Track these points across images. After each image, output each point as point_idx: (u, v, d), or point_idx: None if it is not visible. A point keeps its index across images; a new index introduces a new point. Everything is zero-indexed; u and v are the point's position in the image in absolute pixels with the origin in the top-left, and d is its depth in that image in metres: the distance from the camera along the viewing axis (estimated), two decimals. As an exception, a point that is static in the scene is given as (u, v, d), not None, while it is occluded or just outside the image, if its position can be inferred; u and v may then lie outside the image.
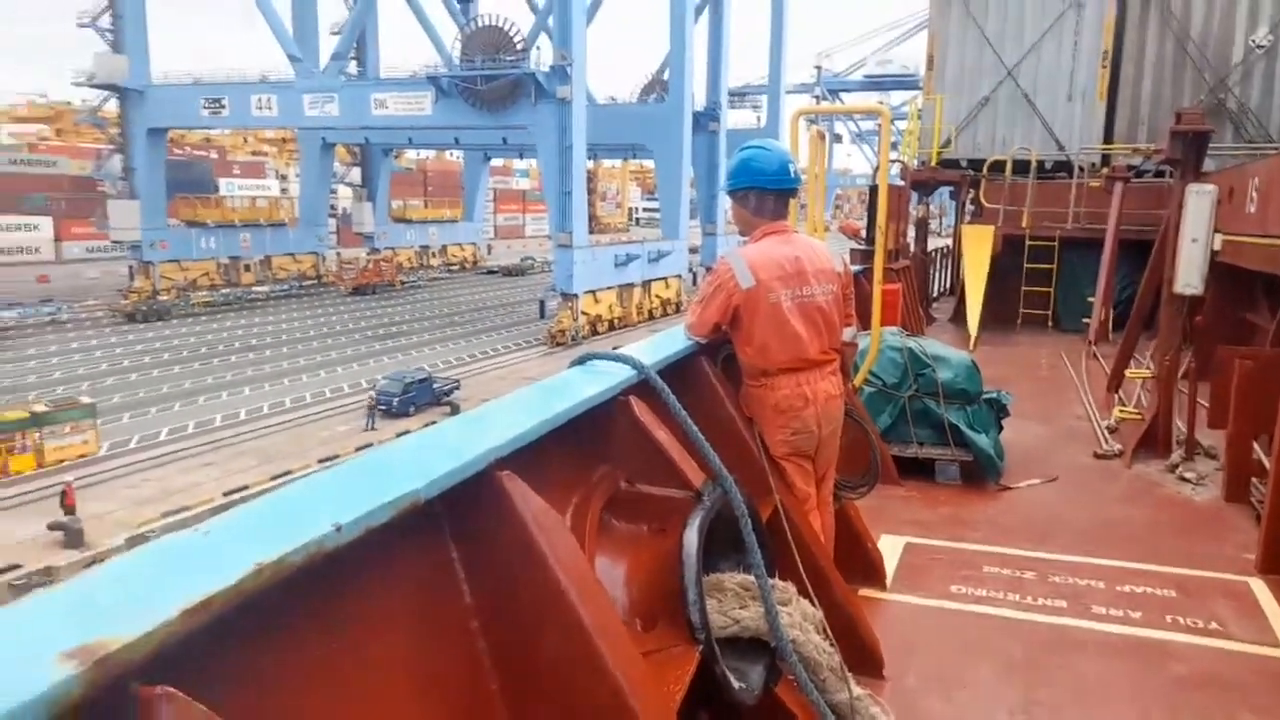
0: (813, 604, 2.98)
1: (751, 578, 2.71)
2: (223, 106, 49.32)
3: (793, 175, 3.35)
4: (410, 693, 1.77)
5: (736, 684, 2.39)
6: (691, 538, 2.45)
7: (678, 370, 3.36)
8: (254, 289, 56.72)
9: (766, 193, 3.38)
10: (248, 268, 58.23)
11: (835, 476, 3.77)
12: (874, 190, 9.66)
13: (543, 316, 49.27)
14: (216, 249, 55.96)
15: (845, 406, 3.65)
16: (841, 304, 3.49)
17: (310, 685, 1.45)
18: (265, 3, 48.32)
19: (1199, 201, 6.07)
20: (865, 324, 6.26)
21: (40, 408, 26.59)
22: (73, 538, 20.27)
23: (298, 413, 31.30)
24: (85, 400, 28.43)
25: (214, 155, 74.03)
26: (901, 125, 15.05)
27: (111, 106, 50.85)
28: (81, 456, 26.24)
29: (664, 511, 2.64)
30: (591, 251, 45.00)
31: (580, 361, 2.90)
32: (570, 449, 2.68)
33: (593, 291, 44.75)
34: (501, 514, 1.89)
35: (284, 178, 79.27)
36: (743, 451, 3.38)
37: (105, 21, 48.61)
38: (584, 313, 43.98)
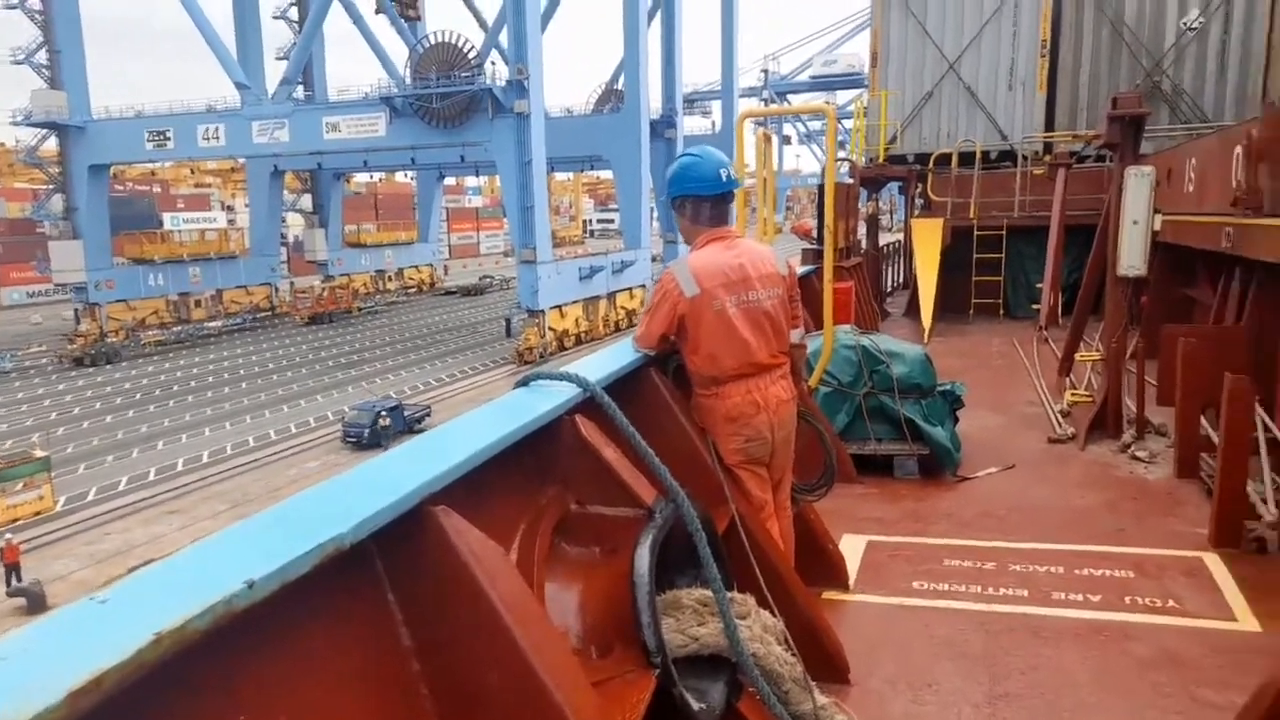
0: (773, 614, 2.94)
1: (709, 593, 2.67)
2: (168, 139, 48.52)
3: (726, 180, 3.33)
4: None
5: (696, 705, 2.34)
6: (643, 558, 2.40)
7: (627, 384, 3.31)
8: (206, 324, 55.67)
9: (703, 199, 3.35)
10: (198, 303, 57.11)
11: (792, 480, 3.75)
12: (823, 189, 9.71)
13: (509, 335, 48.99)
14: (165, 285, 54.78)
15: (798, 409, 3.63)
16: (788, 307, 3.47)
17: None
18: (209, 31, 47.67)
19: (1138, 184, 6.16)
20: (820, 324, 6.29)
21: None
22: (35, 603, 19.47)
23: (264, 451, 30.54)
24: (39, 454, 27.31)
25: (156, 189, 72.68)
26: (848, 124, 15.18)
27: (51, 145, 49.73)
28: (38, 514, 25.30)
29: (615, 531, 2.59)
30: (555, 266, 44.86)
31: (525, 382, 2.85)
32: (517, 472, 2.61)
33: (558, 306, 44.60)
34: (437, 551, 1.82)
35: (230, 208, 78.06)
36: (696, 463, 3.34)
37: (41, 58, 47.62)
38: (551, 328, 43.80)
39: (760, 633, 2.80)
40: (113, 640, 1.09)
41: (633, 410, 3.32)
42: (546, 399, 2.61)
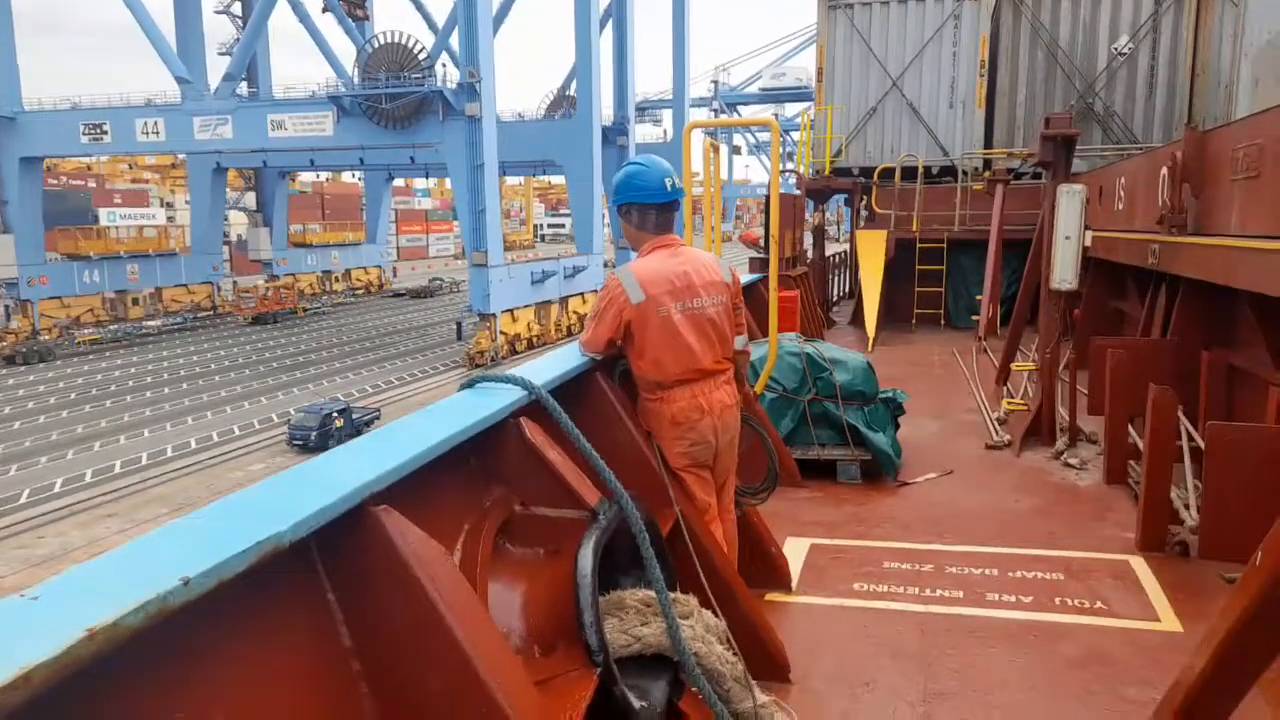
0: (716, 614, 3.00)
1: (653, 593, 2.71)
2: (104, 132, 47.10)
3: (671, 189, 3.38)
4: (290, 743, 1.69)
5: (637, 704, 2.37)
6: (585, 559, 2.43)
7: (574, 388, 3.34)
8: (145, 323, 54.17)
9: (648, 207, 3.40)
10: (136, 301, 55.56)
11: (735, 484, 3.81)
12: (769, 200, 9.86)
13: (460, 338, 48.55)
14: (101, 283, 53.19)
15: (742, 414, 3.69)
16: (732, 314, 3.53)
17: None
18: (148, 22, 46.45)
19: (1070, 201, 6.38)
20: (767, 331, 6.39)
21: None
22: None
23: (206, 453, 29.74)
24: None
25: (92, 184, 70.54)
26: (796, 136, 15.43)
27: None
28: None
29: (559, 533, 2.61)
30: (508, 270, 44.56)
31: (470, 384, 2.86)
32: (462, 474, 2.63)
33: (510, 310, 44.32)
34: (378, 550, 1.83)
35: (170, 205, 76.08)
36: (642, 465, 3.38)
37: (-32, 47, 46.02)
38: (502, 332, 43.52)
39: (702, 632, 2.84)
40: (43, 637, 1.08)
41: (579, 414, 3.35)
42: (491, 401, 2.63)
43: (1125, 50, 13.25)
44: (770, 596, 4.16)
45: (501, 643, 1.96)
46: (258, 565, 1.48)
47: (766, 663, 3.37)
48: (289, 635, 1.76)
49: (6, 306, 49.10)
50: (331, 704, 1.81)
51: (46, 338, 47.36)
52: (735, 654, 2.89)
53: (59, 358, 45.38)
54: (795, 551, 4.75)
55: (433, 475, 2.32)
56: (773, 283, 5.82)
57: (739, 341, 3.62)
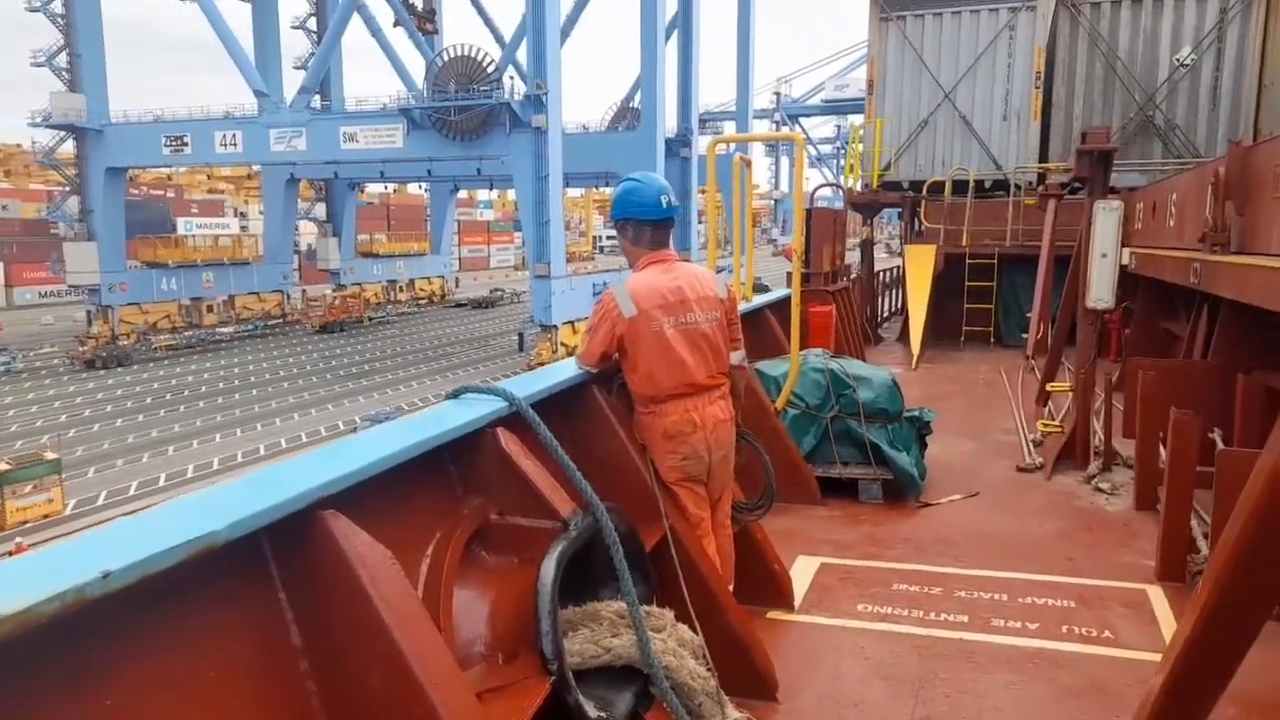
0: (694, 629, 3.02)
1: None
2: (185, 144, 48.87)
3: (667, 206, 3.43)
4: (233, 735, 1.77)
5: (594, 713, 2.41)
6: (548, 569, 2.48)
7: (570, 400, 3.40)
8: (218, 330, 55.99)
9: (644, 223, 3.45)
10: (210, 308, 57.48)
11: (733, 499, 3.82)
12: (808, 214, 9.83)
13: (521, 349, 49.06)
14: (178, 290, 55.19)
15: (739, 429, 3.71)
16: (727, 329, 3.55)
17: None
18: (229, 38, 48.21)
19: (1106, 217, 6.24)
20: (803, 345, 6.38)
21: (1, 465, 25.20)
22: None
23: (274, 460, 30.65)
24: (50, 455, 26.93)
25: (171, 195, 73.42)
26: (860, 149, 15.30)
27: (68, 147, 50.34)
28: (46, 516, 25.06)
29: (532, 542, 2.66)
30: (569, 281, 44.80)
31: (456, 394, 2.94)
32: (439, 481, 2.70)
33: (571, 322, 44.61)
34: (324, 553, 1.91)
35: (243, 215, 78.72)
36: (634, 478, 3.42)
37: (62, 60, 48.28)
38: (563, 343, 43.84)
39: (675, 646, 2.87)
40: None
41: (574, 426, 3.42)
42: (469, 411, 2.70)
43: (1188, 61, 12.85)
44: (771, 614, 4.15)
45: (441, 649, 2.02)
46: (191, 562, 1.57)
47: (752, 680, 3.37)
48: (238, 632, 1.84)
49: (89, 312, 51.28)
50: (279, 699, 1.89)
51: (125, 343, 49.19)
52: (710, 669, 2.91)
53: (136, 362, 47.13)
54: (805, 570, 4.72)
55: (405, 481, 2.40)
56: (794, 297, 5.81)
57: (735, 357, 3.64)
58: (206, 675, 1.73)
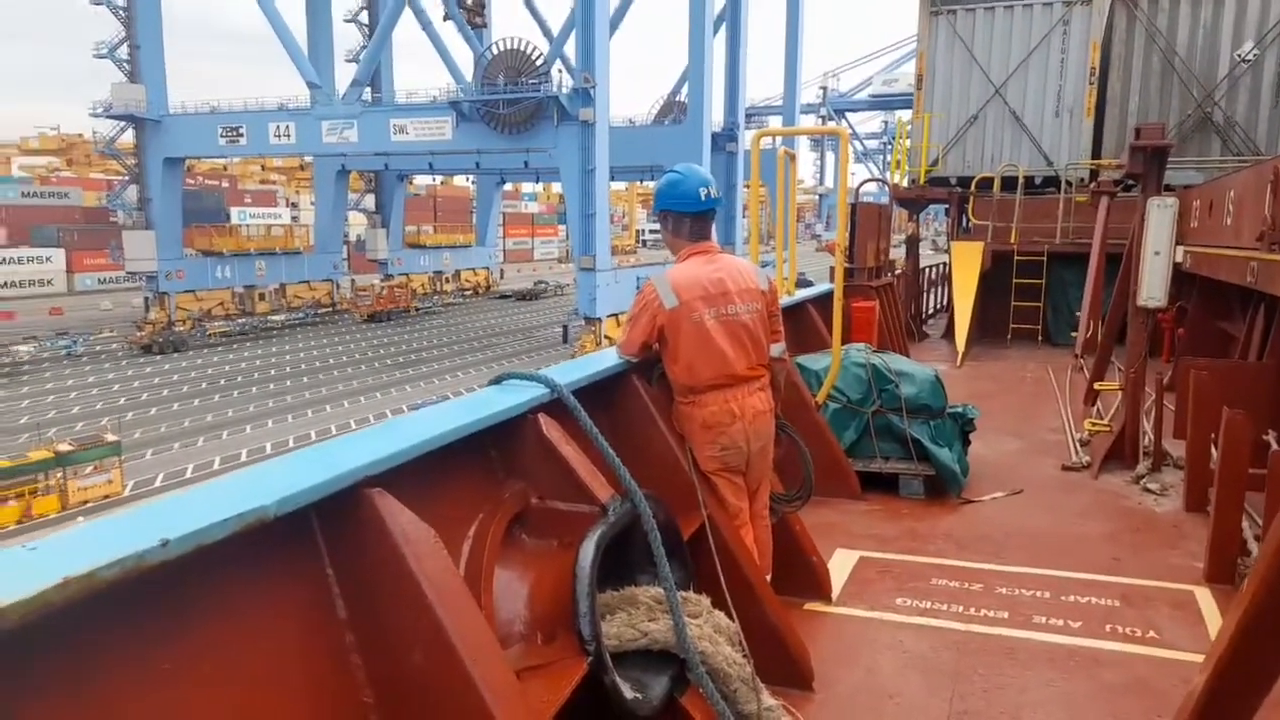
0: (730, 616, 3.04)
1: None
2: (240, 135, 50.02)
3: (707, 199, 3.45)
4: (282, 704, 1.84)
5: (630, 694, 2.45)
6: (587, 552, 2.52)
7: (610, 389, 3.44)
8: (270, 318, 57.21)
9: (684, 215, 3.48)
10: (262, 296, 58.74)
11: (771, 490, 3.83)
12: (853, 209, 9.76)
13: (566, 340, 49.35)
14: (232, 278, 56.49)
15: (778, 421, 3.72)
16: (767, 321, 3.57)
17: (143, 696, 1.51)
18: (284, 30, 49.05)
19: (1160, 215, 6.12)
20: (847, 340, 6.35)
21: (64, 447, 26.03)
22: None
23: (325, 447, 31.31)
24: (110, 438, 27.81)
25: (225, 185, 75.02)
26: (908, 145, 15.12)
27: (127, 137, 51.68)
28: (106, 497, 25.83)
29: (571, 526, 2.71)
30: (614, 274, 44.99)
31: (498, 380, 2.99)
32: (481, 465, 2.76)
33: (615, 315, 44.74)
34: (370, 530, 1.97)
35: (294, 205, 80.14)
36: (672, 467, 3.45)
37: (123, 52, 49.57)
38: (607, 336, 43.99)
39: (710, 632, 2.90)
40: (24, 580, 1.24)
41: (614, 414, 3.46)
42: (512, 397, 2.75)
43: (1250, 56, 12.47)
44: (809, 605, 4.16)
45: (483, 627, 2.07)
46: (244, 534, 1.63)
47: (788, 669, 3.39)
48: (286, 603, 1.91)
49: (146, 298, 52.68)
50: (326, 670, 1.96)
51: (181, 329, 50.54)
52: (745, 656, 2.93)
53: (191, 348, 48.41)
54: (843, 563, 4.72)
55: (449, 464, 2.46)
56: (837, 291, 5.79)
57: (775, 349, 3.65)
58: (257, 645, 1.80)
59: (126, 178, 53.47)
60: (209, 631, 1.67)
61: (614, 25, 51.40)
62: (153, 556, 1.42)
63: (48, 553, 1.39)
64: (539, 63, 43.39)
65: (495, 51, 44.38)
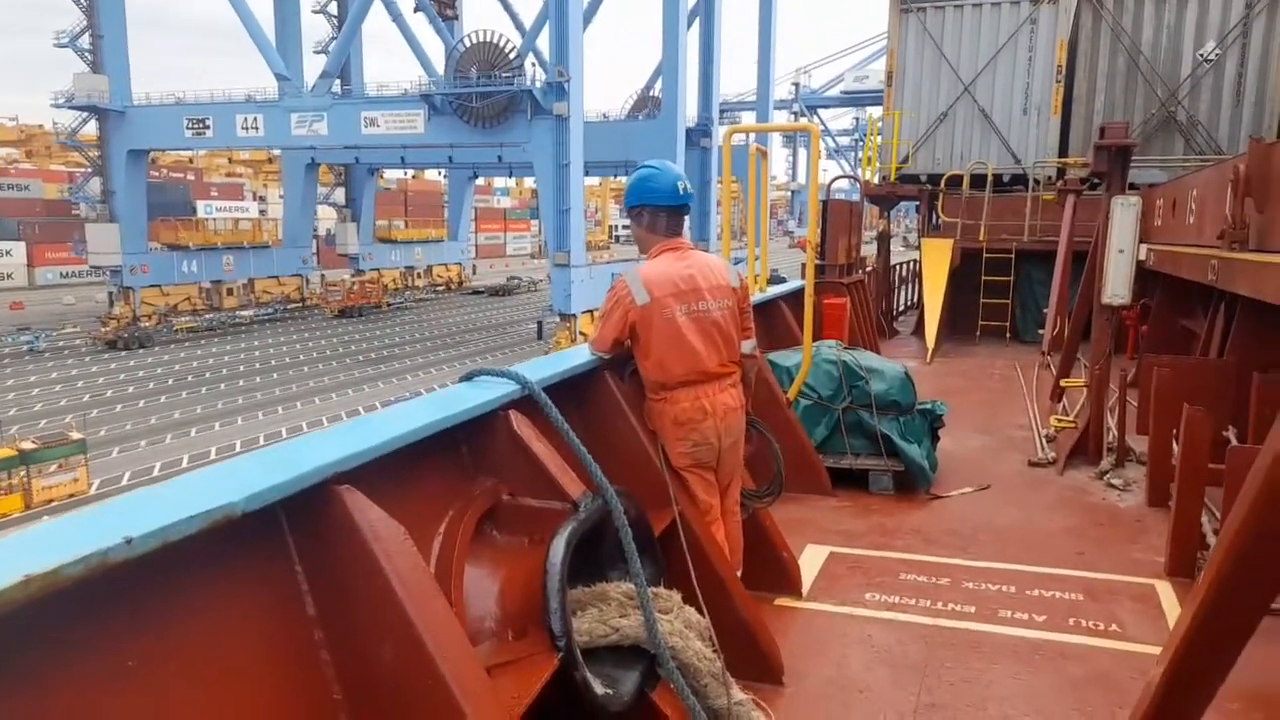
0: (701, 612, 3.06)
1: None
2: (207, 127, 49.12)
3: (683, 193, 3.46)
4: (251, 701, 1.83)
5: (600, 690, 2.46)
6: (557, 548, 2.52)
7: (582, 385, 3.44)
8: (238, 313, 56.35)
9: (660, 210, 3.48)
10: (230, 291, 57.88)
11: (742, 486, 3.85)
12: (825, 205, 9.81)
13: (540, 337, 49.16)
14: (199, 273, 55.58)
15: (748, 417, 3.74)
16: (738, 318, 3.58)
17: (110, 694, 1.50)
18: (251, 20, 48.32)
19: (1124, 213, 6.22)
20: (817, 337, 6.39)
21: (28, 445, 25.34)
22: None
23: (295, 444, 30.95)
24: (75, 435, 27.04)
25: (191, 177, 73.86)
26: (879, 141, 15.24)
27: (90, 128, 50.71)
28: (71, 496, 25.20)
29: (542, 523, 2.71)
30: (588, 270, 44.75)
31: (469, 377, 2.98)
32: (452, 461, 2.75)
33: (590, 311, 44.55)
34: (339, 527, 1.96)
35: (262, 199, 79.11)
36: (644, 463, 3.46)
37: (85, 42, 48.59)
38: (582, 332, 43.81)
39: (681, 628, 2.91)
40: None
41: (585, 411, 3.47)
42: (483, 393, 2.75)
43: (1212, 57, 12.71)
44: (779, 601, 4.19)
45: (452, 623, 2.07)
46: (211, 531, 1.62)
47: (758, 663, 3.41)
48: (254, 601, 1.90)
49: (110, 293, 51.75)
50: (294, 667, 1.95)
51: (146, 325, 49.66)
52: (715, 651, 2.95)
53: (158, 344, 47.52)
54: (813, 559, 4.76)
55: (419, 460, 2.45)
56: (808, 288, 5.83)
57: (746, 346, 3.67)
58: (225, 642, 1.78)
59: (89, 170, 52.43)
60: (176, 629, 1.66)
61: (587, 19, 51.21)
62: (117, 554, 1.41)
63: (9, 550, 1.37)
64: (512, 56, 43.10)
65: (468, 44, 43.98)
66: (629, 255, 55.89)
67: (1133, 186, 11.67)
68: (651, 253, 3.52)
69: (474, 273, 79.13)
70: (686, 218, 3.62)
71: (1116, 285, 6.21)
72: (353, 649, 1.98)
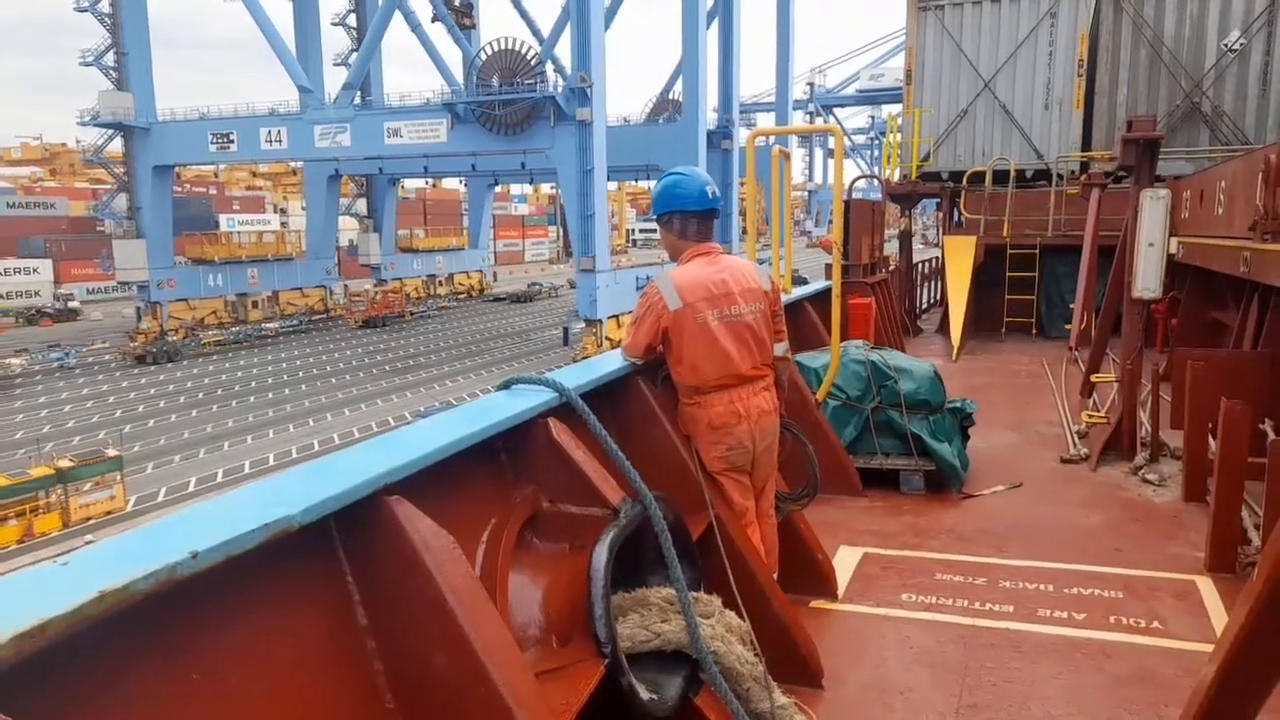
0: (740, 616, 3.07)
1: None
2: (231, 141, 49.68)
3: (711, 198, 3.48)
4: (306, 712, 1.86)
5: (645, 695, 2.47)
6: (600, 555, 2.54)
7: (615, 391, 3.46)
8: (263, 325, 56.94)
9: (689, 216, 3.50)
10: (255, 304, 58.53)
11: (776, 489, 3.85)
12: (847, 205, 9.78)
13: (566, 343, 49.16)
14: (224, 286, 56.25)
15: (782, 420, 3.74)
16: (770, 321, 3.59)
17: (175, 708, 1.53)
18: (273, 34, 48.77)
19: (1153, 206, 6.16)
20: (843, 337, 6.38)
21: (65, 463, 25.42)
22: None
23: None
24: (111, 453, 27.14)
25: (212, 191, 74.64)
26: (897, 139, 15.18)
27: (115, 145, 51.42)
28: (109, 514, 25.30)
29: (582, 529, 2.73)
30: (613, 275, 44.70)
31: (506, 385, 3.01)
32: (492, 470, 2.78)
33: (615, 316, 44.51)
34: (390, 537, 1.99)
35: (283, 211, 79.85)
36: (679, 468, 3.47)
37: (109, 60, 49.31)
38: (608, 338, 43.79)
39: (722, 632, 2.92)
40: (61, 595, 1.26)
41: (620, 417, 3.48)
42: (521, 402, 2.77)
43: (1237, 46, 12.54)
44: (815, 603, 4.18)
45: (503, 631, 2.09)
46: (268, 544, 1.65)
47: (797, 666, 3.41)
48: (308, 612, 1.93)
49: (138, 308, 52.40)
50: (347, 675, 1.98)
51: (174, 338, 50.24)
52: (757, 655, 2.95)
53: (185, 358, 48.06)
54: (847, 560, 4.75)
55: (461, 469, 2.48)
56: (835, 289, 5.82)
57: (779, 348, 3.67)
58: (281, 653, 1.82)
59: (114, 186, 53.17)
60: (234, 642, 1.69)
61: (606, 23, 51.29)
62: (184, 568, 1.44)
63: (80, 567, 1.41)
64: (534, 63, 43.17)
65: (489, 52, 44.11)
66: (648, 260, 55.86)
67: (1158, 178, 11.57)
68: (682, 258, 3.54)
69: (495, 280, 79.43)
70: (715, 221, 3.62)
71: (1147, 279, 6.15)
72: (405, 658, 2.01)
